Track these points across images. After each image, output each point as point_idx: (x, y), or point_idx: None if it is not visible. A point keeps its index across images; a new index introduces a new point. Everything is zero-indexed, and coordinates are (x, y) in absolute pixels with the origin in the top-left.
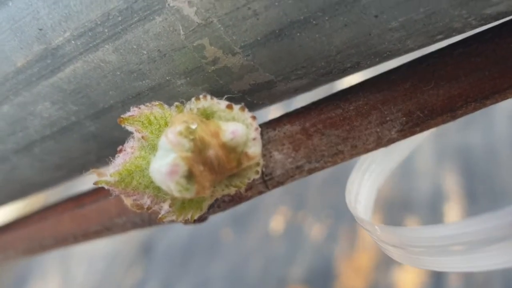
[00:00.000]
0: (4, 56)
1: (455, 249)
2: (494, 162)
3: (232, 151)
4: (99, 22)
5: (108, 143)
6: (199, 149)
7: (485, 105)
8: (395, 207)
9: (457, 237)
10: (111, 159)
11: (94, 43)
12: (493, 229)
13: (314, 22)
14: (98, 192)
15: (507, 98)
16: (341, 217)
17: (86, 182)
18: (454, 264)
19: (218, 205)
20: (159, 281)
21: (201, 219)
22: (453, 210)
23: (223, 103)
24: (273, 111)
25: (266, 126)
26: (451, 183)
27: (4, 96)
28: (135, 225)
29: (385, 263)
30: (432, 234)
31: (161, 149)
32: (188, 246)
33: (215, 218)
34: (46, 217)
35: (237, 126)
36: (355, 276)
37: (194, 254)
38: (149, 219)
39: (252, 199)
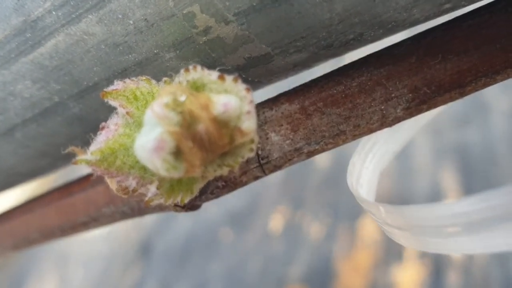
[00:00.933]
0: None
1: (459, 230)
2: (491, 160)
3: (224, 125)
4: None
5: (94, 127)
6: (188, 124)
7: (496, 81)
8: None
9: (464, 215)
10: (93, 137)
11: (77, 13)
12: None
13: None
14: (85, 181)
15: None
16: (340, 216)
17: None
18: (459, 246)
19: (212, 191)
20: (158, 282)
21: (194, 206)
22: None
23: (214, 74)
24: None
25: (262, 106)
26: (449, 181)
27: None
28: (124, 215)
29: (384, 262)
30: (440, 212)
31: (146, 124)
32: (186, 246)
33: (214, 218)
34: (31, 209)
35: (230, 98)
36: (354, 275)
37: (193, 254)
38: (138, 208)
39: (250, 200)
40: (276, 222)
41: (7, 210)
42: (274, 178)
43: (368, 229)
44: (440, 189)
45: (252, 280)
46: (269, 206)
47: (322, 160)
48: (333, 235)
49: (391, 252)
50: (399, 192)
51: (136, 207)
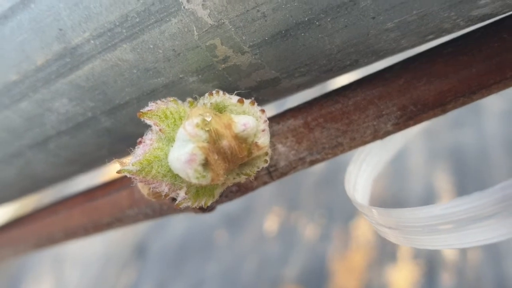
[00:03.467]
0: (25, 55)
1: (447, 228)
2: (485, 161)
3: (244, 141)
4: (117, 23)
5: (120, 138)
6: (214, 140)
7: (472, 100)
8: (387, 206)
9: (449, 216)
10: (132, 150)
11: (112, 42)
12: (483, 206)
13: (317, 23)
14: (109, 186)
15: (493, 93)
16: (335, 217)
17: (82, 179)
18: (446, 242)
19: (226, 195)
20: (153, 283)
21: (210, 208)
22: None
23: (234, 98)
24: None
25: (270, 121)
26: (443, 182)
27: (23, 94)
28: (147, 216)
29: (378, 263)
30: (426, 214)
31: (179, 140)
32: (182, 247)
33: (209, 219)
34: (56, 211)
35: (248, 119)
36: (349, 276)
37: (188, 255)
38: (160, 209)
39: (245, 201)
40: (271, 223)
41: (31, 212)
42: None
43: (362, 230)
44: (434, 190)
45: (247, 281)
46: (264, 207)
47: None
48: (328, 236)
49: (385, 253)
50: (394, 192)
51: (158, 209)
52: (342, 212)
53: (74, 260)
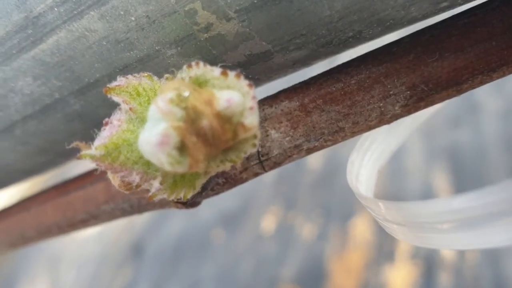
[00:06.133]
0: None
1: (454, 226)
2: (483, 160)
3: (227, 121)
4: None
5: (94, 123)
6: (191, 119)
7: (492, 79)
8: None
9: (471, 210)
10: (97, 132)
11: (79, 9)
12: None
13: None
14: (84, 178)
15: None
16: (332, 216)
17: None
18: (454, 242)
19: (212, 188)
20: (150, 283)
21: (194, 203)
22: None
23: (217, 70)
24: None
25: (262, 103)
26: (441, 181)
27: None
28: (124, 212)
29: (376, 262)
30: (437, 208)
31: (150, 119)
32: (178, 247)
33: (206, 219)
34: (27, 208)
35: (232, 94)
36: (346, 276)
37: (185, 255)
38: (138, 204)
39: (242, 200)
40: (268, 222)
41: (2, 209)
42: (266, 179)
43: (360, 229)
44: (432, 188)
45: (244, 281)
46: (261, 207)
47: (314, 161)
48: (325, 236)
49: (383, 253)
50: (392, 192)
51: (136, 204)
52: (340, 211)
53: (70, 260)
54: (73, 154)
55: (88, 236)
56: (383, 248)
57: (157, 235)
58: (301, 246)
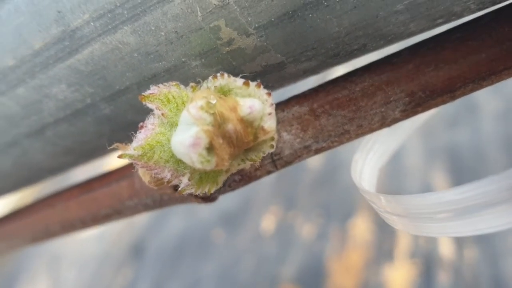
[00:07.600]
0: (21, 40)
1: (461, 213)
2: (481, 160)
3: (249, 125)
4: (118, 4)
5: (121, 126)
6: (218, 123)
7: (482, 86)
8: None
9: (463, 201)
10: (133, 135)
11: (113, 24)
12: (498, 191)
13: (325, 3)
14: (108, 177)
15: (503, 79)
16: (332, 216)
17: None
18: (459, 229)
19: (229, 185)
20: (150, 282)
21: (212, 198)
22: None
23: (239, 81)
24: None
25: (275, 108)
26: (439, 181)
27: (20, 79)
28: (147, 207)
29: (375, 262)
30: (437, 199)
31: (182, 124)
32: (179, 247)
33: (206, 218)
34: (52, 204)
35: (254, 102)
36: (346, 275)
37: (185, 255)
38: (160, 199)
39: (242, 200)
40: (268, 222)
41: (27, 205)
42: (266, 178)
43: (359, 229)
44: (431, 187)
45: (245, 280)
46: (261, 207)
47: (314, 161)
48: (325, 235)
49: (382, 252)
50: (393, 189)
51: (158, 199)
52: (339, 211)
53: (71, 259)
54: (99, 154)
55: (89, 235)
56: (383, 248)
57: (158, 235)
58: (301, 245)
